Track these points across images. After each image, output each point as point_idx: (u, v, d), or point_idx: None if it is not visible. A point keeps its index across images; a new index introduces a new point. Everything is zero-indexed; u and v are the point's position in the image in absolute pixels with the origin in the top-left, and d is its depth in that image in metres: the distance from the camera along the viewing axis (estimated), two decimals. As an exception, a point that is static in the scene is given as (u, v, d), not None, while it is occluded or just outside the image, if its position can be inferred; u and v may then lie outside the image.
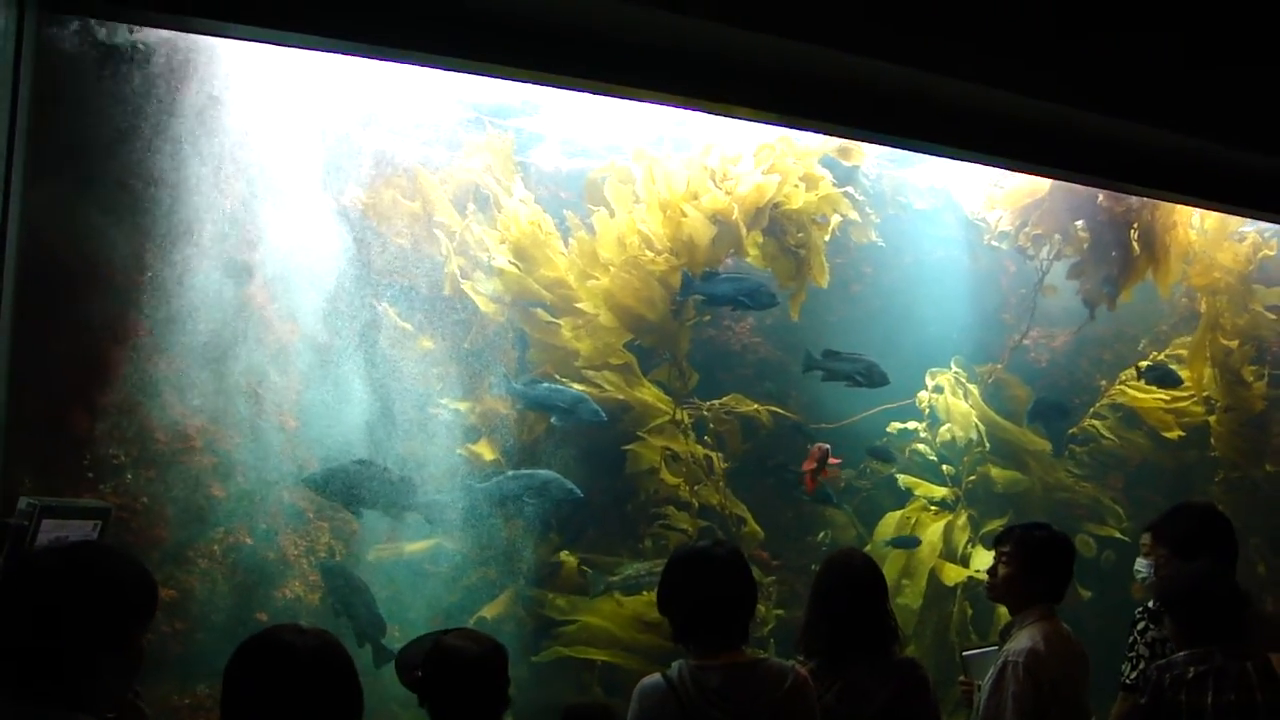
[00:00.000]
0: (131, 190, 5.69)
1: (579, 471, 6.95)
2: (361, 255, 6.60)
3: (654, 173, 7.25)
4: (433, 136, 7.01)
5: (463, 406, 6.90)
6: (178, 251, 5.83)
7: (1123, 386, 9.36)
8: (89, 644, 2.42)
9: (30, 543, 3.55)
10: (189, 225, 5.85)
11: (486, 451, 6.90)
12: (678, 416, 7.46)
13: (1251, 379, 9.57)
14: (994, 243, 8.81)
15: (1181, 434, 9.28)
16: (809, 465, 7.44)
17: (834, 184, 7.69)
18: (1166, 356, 9.39)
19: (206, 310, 5.96)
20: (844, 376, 7.62)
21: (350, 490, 6.15)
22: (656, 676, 3.50)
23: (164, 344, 5.86)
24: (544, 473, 6.79)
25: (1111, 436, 9.30)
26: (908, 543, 8.12)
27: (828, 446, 7.50)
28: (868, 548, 8.11)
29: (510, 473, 6.80)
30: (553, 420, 6.93)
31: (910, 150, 7.00)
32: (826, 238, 7.79)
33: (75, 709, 2.39)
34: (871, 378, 7.61)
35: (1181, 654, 4.23)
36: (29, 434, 5.02)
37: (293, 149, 6.23)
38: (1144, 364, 9.30)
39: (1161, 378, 9.13)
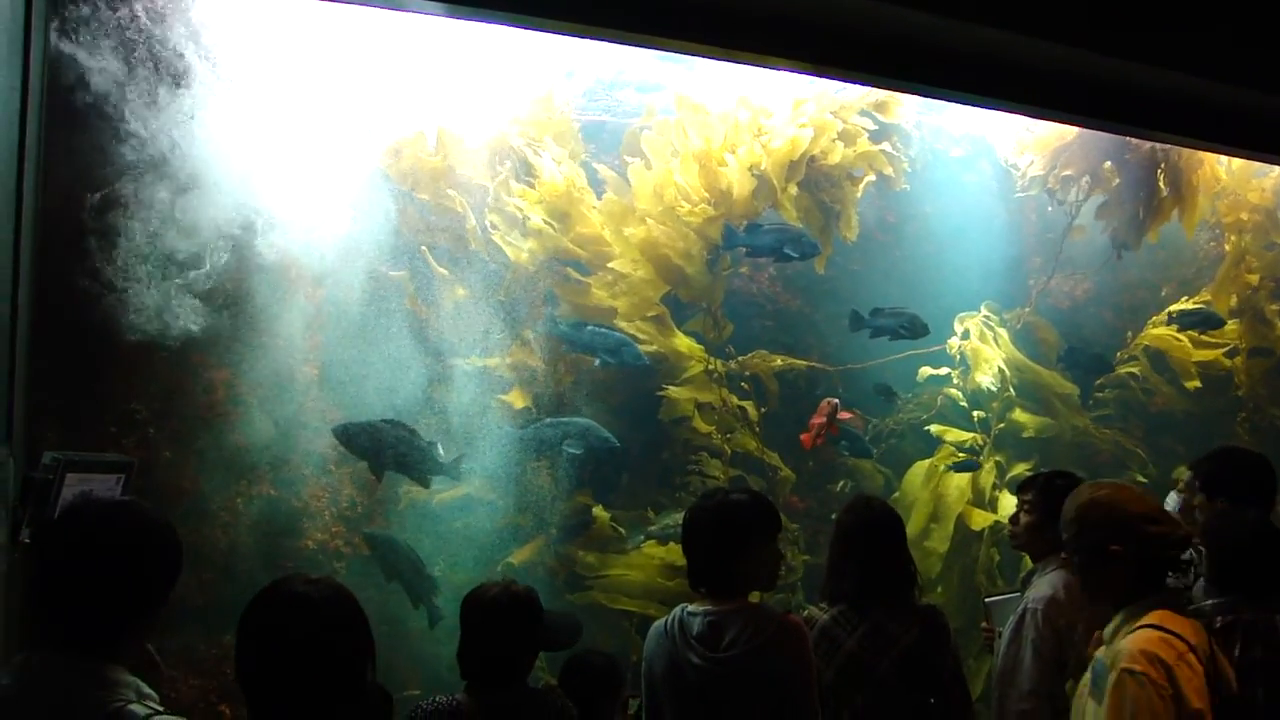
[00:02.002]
0: (149, 139, 5.59)
1: (613, 423, 6.95)
2: (392, 208, 6.53)
3: (691, 125, 7.20)
4: (465, 92, 6.90)
5: (492, 362, 6.89)
6: (201, 201, 5.73)
7: (1153, 332, 9.31)
8: (125, 600, 2.49)
9: (55, 496, 3.60)
10: (211, 173, 5.74)
11: (518, 400, 6.90)
12: (711, 366, 7.43)
13: (1274, 318, 9.52)
14: (1025, 187, 8.76)
15: (1199, 384, 9.24)
16: (817, 420, 7.39)
17: (871, 139, 7.66)
18: (1195, 304, 9.33)
19: (230, 264, 5.90)
20: (888, 331, 7.67)
21: (374, 448, 6.10)
22: (661, 620, 3.60)
23: (188, 299, 5.79)
24: (581, 420, 6.82)
25: (1136, 385, 9.30)
26: (968, 466, 8.20)
27: (836, 401, 7.48)
28: (895, 496, 8.14)
29: (549, 420, 6.81)
30: (597, 362, 6.95)
31: (940, 99, 6.96)
32: (859, 194, 7.78)
33: (110, 661, 2.45)
34: (914, 329, 7.69)
35: (1209, 603, 4.13)
36: (52, 389, 4.99)
37: (327, 101, 6.15)
38: (1176, 309, 9.26)
39: (1204, 320, 9.09)
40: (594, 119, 7.51)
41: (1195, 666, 3.05)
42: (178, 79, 5.58)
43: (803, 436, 7.44)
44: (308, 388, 6.34)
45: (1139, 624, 3.19)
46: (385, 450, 6.08)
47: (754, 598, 3.62)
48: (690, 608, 3.53)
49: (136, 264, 5.63)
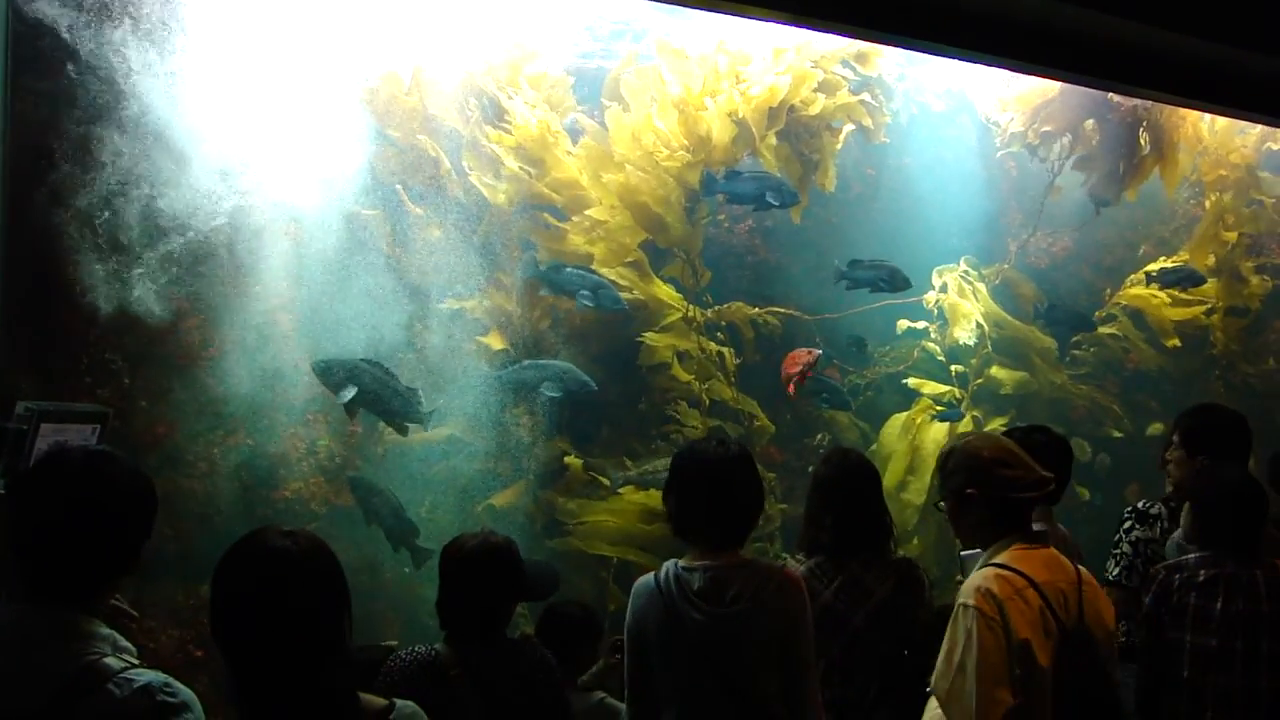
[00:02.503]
0: (121, 84, 5.53)
1: (591, 370, 6.95)
2: (369, 150, 6.46)
3: (671, 70, 7.16)
4: (441, 35, 6.83)
5: (470, 304, 6.86)
6: (175, 148, 5.68)
7: (1131, 291, 9.36)
8: (101, 549, 2.47)
9: (29, 447, 3.57)
10: (183, 119, 5.68)
11: (496, 342, 6.92)
12: (689, 314, 7.43)
13: (1250, 275, 9.58)
14: (1005, 143, 8.75)
15: (1178, 343, 9.30)
16: (792, 368, 7.40)
17: (851, 90, 7.63)
18: (1175, 263, 9.37)
19: (203, 209, 5.84)
20: (867, 283, 7.68)
21: (349, 385, 6.04)
22: (649, 576, 3.48)
23: (161, 244, 5.76)
24: (559, 363, 6.84)
25: (1114, 343, 9.40)
26: (952, 415, 8.28)
27: (818, 352, 7.50)
28: (872, 448, 8.17)
29: (527, 362, 6.83)
30: (576, 305, 6.94)
31: (921, 52, 6.86)
32: (839, 146, 7.75)
33: (86, 613, 2.43)
34: (894, 282, 7.71)
35: (1193, 556, 4.23)
36: (25, 338, 4.93)
37: (301, 42, 6.06)
38: (1156, 267, 9.32)
39: (1186, 278, 9.15)
40: (575, 64, 7.45)
41: (1032, 601, 3.16)
42: (149, 24, 5.51)
43: (790, 387, 7.48)
44: (284, 334, 6.28)
45: (988, 563, 3.31)
46: (360, 388, 6.04)
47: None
48: (683, 563, 3.44)
49: (110, 213, 5.59)
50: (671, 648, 3.36)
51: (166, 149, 5.63)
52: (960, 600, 3.23)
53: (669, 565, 3.46)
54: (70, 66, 5.39)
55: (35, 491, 2.51)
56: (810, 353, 7.45)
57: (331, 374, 6.05)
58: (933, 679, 3.28)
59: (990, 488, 3.38)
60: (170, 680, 2.37)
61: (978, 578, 3.25)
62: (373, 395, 6.10)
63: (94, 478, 2.50)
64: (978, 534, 3.47)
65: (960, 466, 3.47)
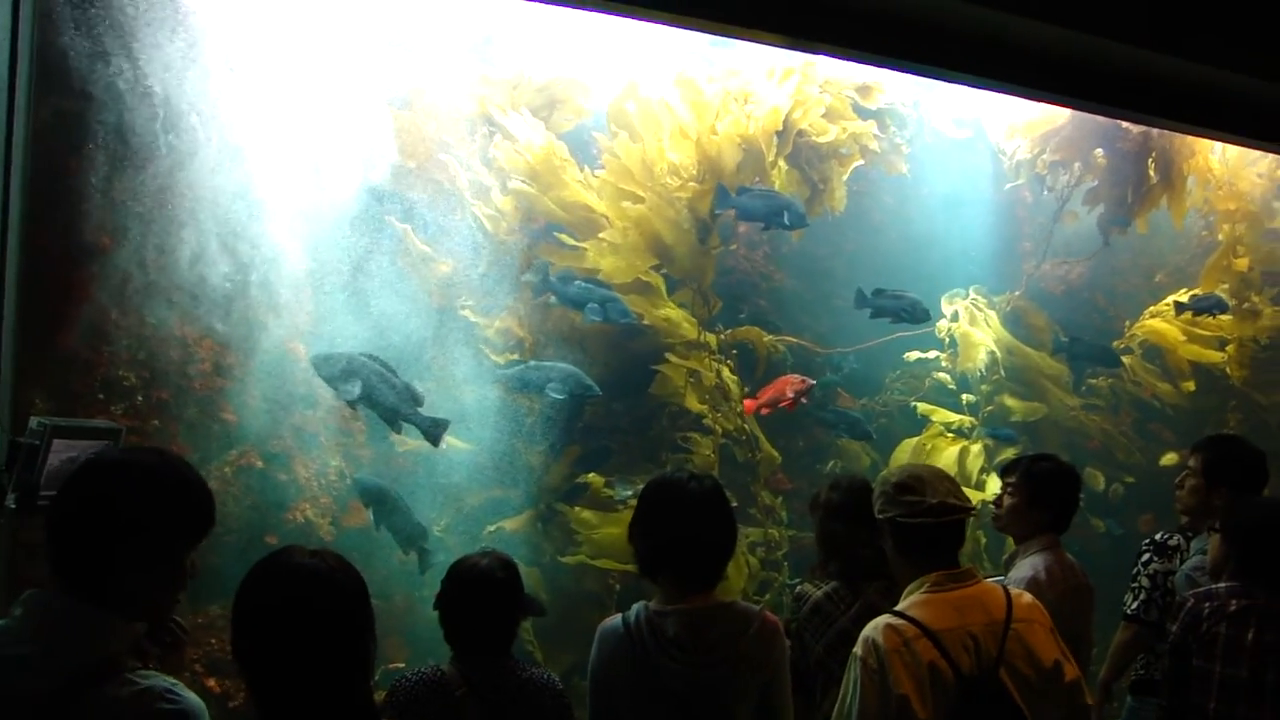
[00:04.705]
0: (129, 106, 5.59)
1: (603, 396, 6.95)
2: (377, 175, 6.50)
3: (678, 100, 7.23)
4: (444, 63, 6.90)
5: (486, 327, 6.91)
6: (194, 169, 5.77)
7: (1149, 323, 9.34)
8: (142, 548, 2.38)
9: (41, 462, 3.55)
10: (195, 141, 5.77)
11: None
12: (702, 339, 7.43)
13: (1265, 307, 9.56)
14: (1013, 171, 8.75)
15: (1192, 386, 9.34)
16: (771, 393, 7.42)
17: (861, 119, 7.67)
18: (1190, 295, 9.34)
19: (217, 235, 5.90)
20: (890, 313, 7.69)
21: (347, 377, 5.94)
22: (616, 619, 3.31)
23: (175, 268, 5.81)
24: (565, 365, 6.78)
25: (1128, 375, 9.36)
26: (1008, 437, 8.32)
27: (812, 382, 7.51)
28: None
29: (532, 362, 6.81)
30: (584, 318, 6.92)
31: (933, 79, 6.81)
32: (845, 176, 7.77)
33: (121, 614, 2.36)
34: (915, 314, 7.72)
35: (1223, 585, 4.18)
36: (39, 355, 4.95)
37: (302, 60, 6.12)
38: (1181, 297, 9.28)
39: (1210, 306, 9.10)
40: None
41: (921, 653, 3.10)
42: (173, 34, 5.59)
43: (746, 401, 7.47)
44: (298, 360, 6.31)
45: (892, 609, 3.28)
46: (358, 381, 5.94)
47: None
48: (654, 605, 3.26)
49: (126, 228, 5.65)
50: (644, 697, 3.21)
51: (189, 175, 5.74)
52: (854, 649, 3.20)
53: (638, 609, 3.29)
54: (92, 87, 5.45)
55: (87, 484, 2.43)
56: (805, 381, 7.45)
57: (330, 366, 5.97)
58: None
59: (892, 511, 3.34)
60: (175, 687, 2.31)
61: (870, 627, 3.21)
62: (371, 389, 5.98)
63: (144, 474, 2.43)
64: (894, 566, 3.43)
65: (877, 495, 3.44)
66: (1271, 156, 9.27)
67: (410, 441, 6.59)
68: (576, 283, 6.91)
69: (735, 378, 7.67)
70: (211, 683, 5.92)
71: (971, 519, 7.67)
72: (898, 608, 3.26)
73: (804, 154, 7.60)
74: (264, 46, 5.95)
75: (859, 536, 3.98)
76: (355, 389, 5.94)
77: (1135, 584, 4.87)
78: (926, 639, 3.13)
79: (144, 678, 2.31)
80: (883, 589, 3.92)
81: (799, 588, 4.16)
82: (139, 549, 2.38)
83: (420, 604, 6.30)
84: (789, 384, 7.42)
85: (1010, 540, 4.86)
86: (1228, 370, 9.55)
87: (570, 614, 6.73)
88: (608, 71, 7.39)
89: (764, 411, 7.41)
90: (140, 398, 5.91)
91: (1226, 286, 9.37)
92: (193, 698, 2.32)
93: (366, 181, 6.43)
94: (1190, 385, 9.29)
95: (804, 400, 7.46)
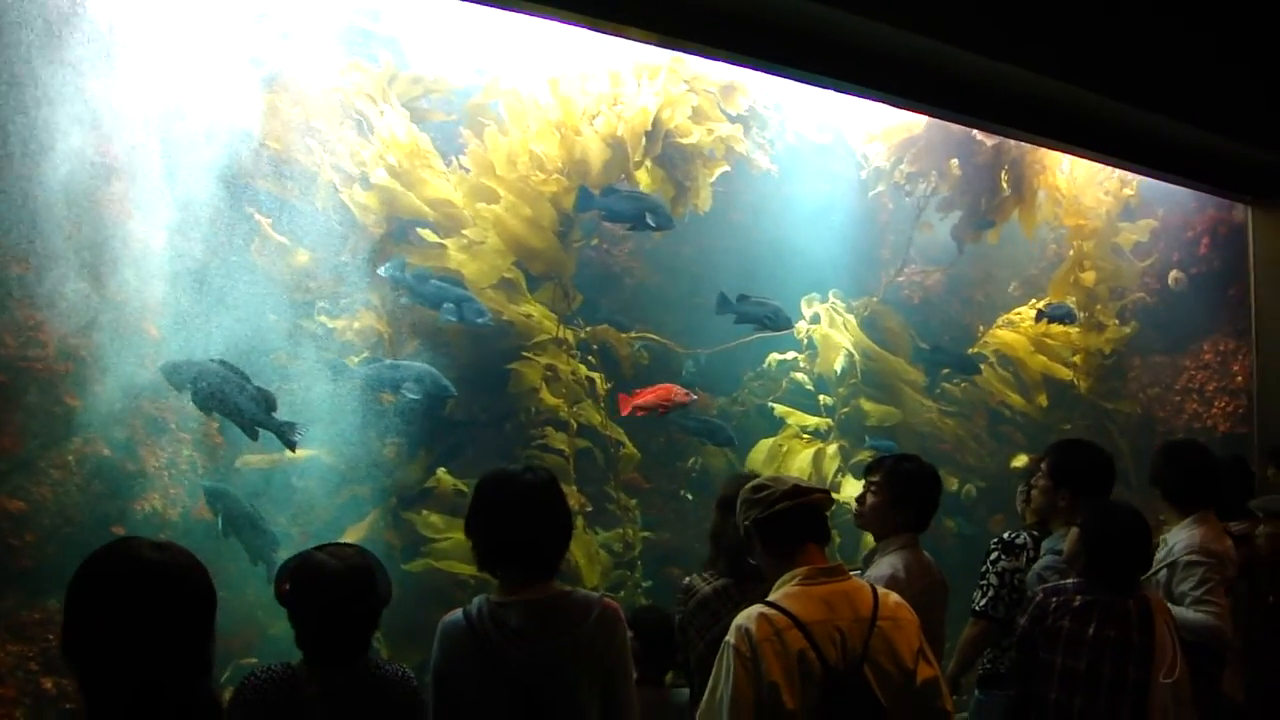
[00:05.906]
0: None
1: (458, 392, 6.86)
2: (235, 160, 6.31)
3: (544, 95, 7.19)
4: (309, 50, 6.72)
5: (338, 324, 6.76)
6: (30, 152, 5.54)
7: (1000, 333, 9.62)
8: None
9: None
10: (45, 125, 5.54)
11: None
12: (561, 335, 7.41)
13: (1108, 320, 9.93)
14: (873, 178, 8.90)
15: (1044, 403, 9.69)
16: (649, 396, 7.43)
17: (729, 120, 7.73)
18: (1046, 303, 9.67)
19: (63, 214, 5.68)
20: (754, 319, 7.73)
21: (197, 383, 5.78)
22: (458, 613, 3.33)
23: (15, 248, 5.58)
24: (420, 365, 6.70)
25: (981, 380, 9.61)
26: (885, 446, 8.34)
27: (694, 397, 7.56)
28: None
29: (388, 361, 6.71)
30: (439, 319, 6.80)
31: (794, 80, 6.85)
32: (712, 179, 7.82)
33: None
34: (777, 321, 7.78)
35: (1071, 581, 4.38)
36: None
37: (165, 47, 5.93)
38: (1039, 305, 9.62)
39: (1064, 315, 9.46)
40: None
41: (791, 643, 3.17)
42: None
43: (621, 396, 7.47)
44: (146, 343, 6.09)
45: (762, 599, 3.35)
46: (209, 388, 5.79)
47: None
48: (495, 598, 3.31)
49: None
50: (490, 688, 3.24)
51: (22, 151, 5.49)
52: (726, 636, 3.25)
53: (479, 601, 3.32)
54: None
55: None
56: (687, 395, 7.47)
57: (179, 375, 5.82)
58: (699, 711, 3.32)
59: (751, 514, 3.44)
60: None
61: (743, 615, 3.27)
62: (222, 396, 5.82)
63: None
64: (766, 570, 3.49)
65: (738, 509, 3.55)
66: (1118, 175, 9.63)
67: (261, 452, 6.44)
68: (432, 281, 6.80)
69: (598, 375, 7.65)
70: (48, 684, 5.64)
71: (828, 515, 7.91)
72: (769, 598, 3.32)
73: (670, 154, 7.61)
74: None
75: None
76: (207, 399, 5.82)
77: (984, 581, 4.99)
78: (797, 629, 3.20)
79: None
80: (767, 589, 3.99)
81: (688, 580, 4.22)
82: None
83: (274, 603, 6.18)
84: (672, 393, 7.44)
85: (867, 538, 4.95)
86: (1075, 381, 9.88)
87: (421, 612, 6.59)
88: (478, 64, 7.31)
89: (639, 413, 7.43)
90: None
91: (1074, 300, 9.69)
92: None
93: (224, 161, 6.22)
94: (1044, 400, 9.62)
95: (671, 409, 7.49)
